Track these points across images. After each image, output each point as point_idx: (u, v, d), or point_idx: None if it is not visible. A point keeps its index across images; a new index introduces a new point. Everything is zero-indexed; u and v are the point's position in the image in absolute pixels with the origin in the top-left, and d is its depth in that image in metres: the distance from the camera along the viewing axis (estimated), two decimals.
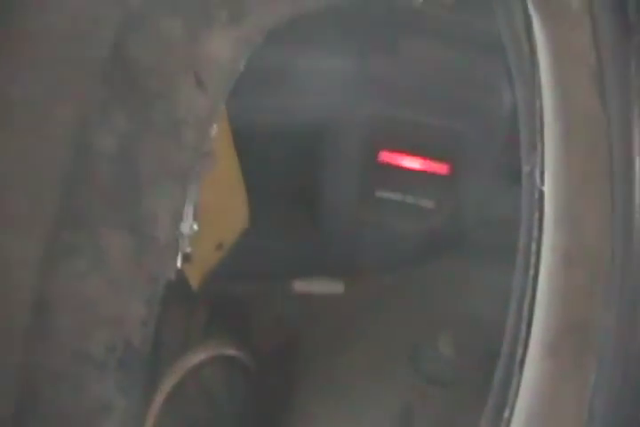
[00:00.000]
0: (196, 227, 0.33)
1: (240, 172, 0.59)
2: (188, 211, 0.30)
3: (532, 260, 0.33)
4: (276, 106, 0.62)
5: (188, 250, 0.42)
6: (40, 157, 0.25)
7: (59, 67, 0.25)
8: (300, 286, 0.71)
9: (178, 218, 0.29)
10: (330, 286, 0.70)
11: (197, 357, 0.57)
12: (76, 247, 0.26)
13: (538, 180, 0.33)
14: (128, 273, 0.27)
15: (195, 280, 0.55)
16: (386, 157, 0.59)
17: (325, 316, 0.71)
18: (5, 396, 0.26)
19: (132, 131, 0.26)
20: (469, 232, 0.56)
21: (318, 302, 0.70)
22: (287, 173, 0.64)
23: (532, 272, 0.33)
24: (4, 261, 0.25)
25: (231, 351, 0.61)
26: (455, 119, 0.55)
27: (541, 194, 0.33)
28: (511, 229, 0.37)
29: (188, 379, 0.54)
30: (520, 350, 0.33)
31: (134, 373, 0.29)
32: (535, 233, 0.33)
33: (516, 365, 0.33)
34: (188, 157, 0.28)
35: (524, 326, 0.33)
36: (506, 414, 0.33)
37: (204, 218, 0.33)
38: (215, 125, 0.29)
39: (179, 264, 0.31)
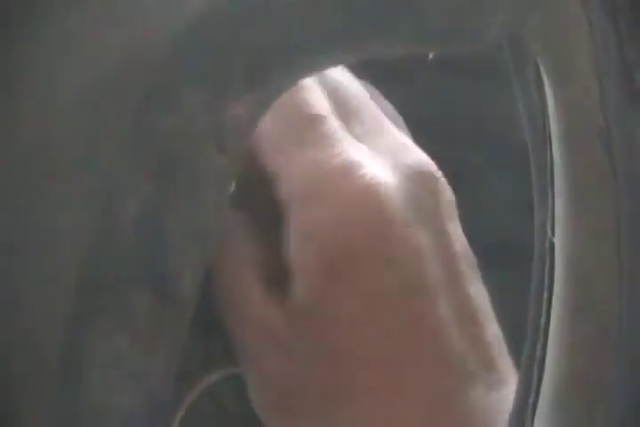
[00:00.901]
0: None
1: None
2: None
3: (544, 307, 0.34)
4: None
5: None
6: (68, 225, 0.26)
7: (85, 137, 0.26)
8: None
9: (199, 272, 0.30)
10: None
11: (214, 375, 0.59)
12: (103, 307, 0.27)
13: (549, 230, 0.34)
14: (151, 330, 0.28)
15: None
16: None
17: None
18: None
19: (157, 196, 0.27)
20: (484, 261, 0.57)
21: None
22: None
23: (543, 320, 0.34)
24: (32, 321, 0.27)
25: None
26: (470, 150, 0.56)
27: (552, 244, 0.34)
28: (526, 257, 0.38)
29: (204, 397, 0.55)
30: (532, 398, 0.34)
31: (157, 421, 0.30)
32: (547, 282, 0.34)
33: (528, 412, 0.34)
34: (210, 214, 0.30)
35: (535, 371, 0.34)
36: None
37: None
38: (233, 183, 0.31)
39: None
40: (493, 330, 0.38)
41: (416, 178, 0.37)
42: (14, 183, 0.26)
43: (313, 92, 0.37)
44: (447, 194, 0.38)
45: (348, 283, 0.36)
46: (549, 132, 0.33)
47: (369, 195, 0.35)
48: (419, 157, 0.38)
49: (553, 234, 0.34)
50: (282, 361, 0.36)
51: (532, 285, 0.36)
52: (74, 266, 0.27)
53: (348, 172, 0.35)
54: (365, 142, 0.37)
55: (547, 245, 0.35)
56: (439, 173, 0.38)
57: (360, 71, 0.50)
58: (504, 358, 0.38)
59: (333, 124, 0.36)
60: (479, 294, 0.38)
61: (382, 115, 0.39)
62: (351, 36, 0.29)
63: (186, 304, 0.29)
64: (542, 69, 0.32)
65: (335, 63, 0.33)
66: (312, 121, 0.36)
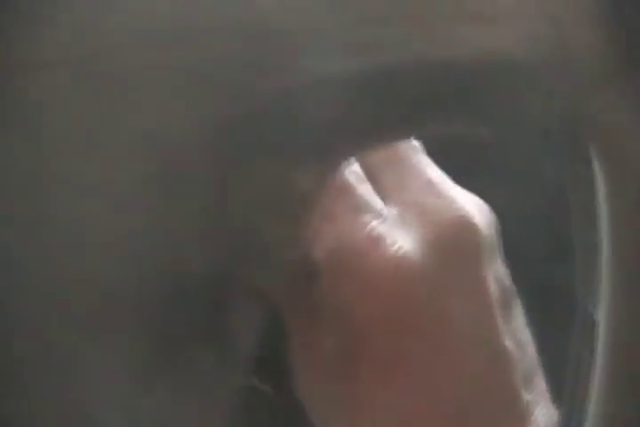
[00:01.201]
0: None
1: None
2: None
3: (584, 372, 0.34)
4: None
5: None
6: (145, 284, 0.28)
7: (162, 211, 0.28)
8: None
9: (255, 331, 0.32)
10: None
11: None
12: (164, 365, 0.29)
13: (591, 308, 0.34)
14: (209, 387, 0.30)
15: None
16: None
17: None
18: None
19: (225, 260, 0.29)
20: None
21: None
22: None
23: (580, 394, 0.35)
24: (94, 373, 0.28)
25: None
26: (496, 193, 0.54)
27: (594, 323, 0.34)
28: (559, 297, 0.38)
29: None
30: None
31: None
32: (586, 361, 0.34)
33: None
34: (268, 277, 0.31)
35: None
36: None
37: None
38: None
39: None
40: (524, 366, 0.38)
41: (448, 231, 0.37)
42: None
43: None
44: (485, 235, 0.37)
45: (367, 357, 0.36)
46: (598, 213, 0.34)
47: (392, 271, 0.36)
48: (451, 203, 0.37)
49: (596, 312, 0.34)
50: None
51: (571, 352, 0.36)
52: (143, 321, 0.28)
53: (371, 246, 0.36)
54: (395, 195, 0.38)
55: (589, 323, 0.35)
56: (476, 215, 0.37)
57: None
58: (533, 391, 0.37)
59: (360, 192, 0.37)
60: (515, 331, 0.38)
61: (418, 154, 0.39)
62: (407, 123, 0.31)
63: (242, 359, 0.30)
64: (593, 153, 0.33)
65: (393, 141, 0.35)
66: (339, 191, 0.37)
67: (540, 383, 0.38)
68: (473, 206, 0.37)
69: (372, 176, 0.38)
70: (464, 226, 0.37)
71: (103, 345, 0.29)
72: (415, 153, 0.38)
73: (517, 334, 0.38)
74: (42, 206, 0.28)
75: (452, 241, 0.37)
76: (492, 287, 0.37)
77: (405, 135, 0.35)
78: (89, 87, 0.27)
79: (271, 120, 0.29)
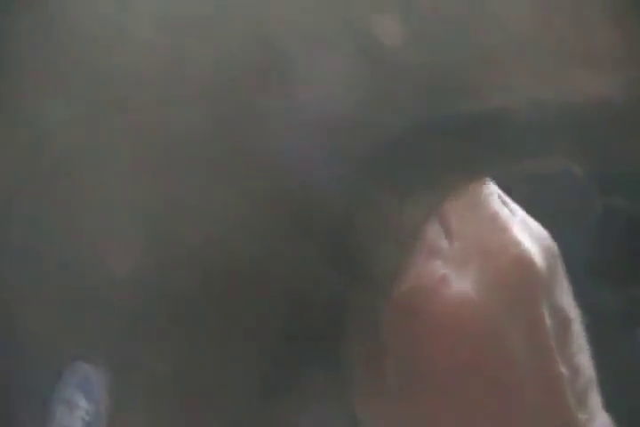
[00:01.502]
0: None
1: None
2: None
3: None
4: None
5: None
6: (274, 299, 0.30)
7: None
8: None
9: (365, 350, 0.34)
10: None
11: None
12: (286, 383, 0.31)
13: None
14: (327, 402, 0.32)
15: None
16: None
17: None
18: None
19: (344, 284, 0.31)
20: None
21: None
22: None
23: None
24: (229, 392, 0.30)
25: None
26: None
27: None
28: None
29: None
30: None
31: None
32: None
33: None
34: (380, 300, 0.33)
35: None
36: None
37: None
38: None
39: None
40: (578, 386, 0.39)
41: (506, 271, 0.38)
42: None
43: None
44: (543, 271, 0.39)
45: (428, 388, 0.38)
46: None
47: (453, 309, 0.37)
48: (512, 241, 0.38)
49: None
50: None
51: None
52: (265, 336, 0.30)
53: (434, 287, 0.37)
54: (460, 230, 0.39)
55: None
56: (535, 252, 0.38)
57: None
58: (588, 408, 0.39)
59: (429, 233, 0.38)
60: (571, 356, 0.40)
61: (487, 184, 0.40)
62: (513, 161, 0.33)
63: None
64: None
65: (494, 175, 0.37)
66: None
67: (595, 399, 0.40)
68: (533, 240, 0.39)
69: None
70: (522, 265, 0.38)
71: (225, 359, 0.31)
72: (483, 183, 0.40)
73: (574, 358, 0.39)
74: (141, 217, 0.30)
75: (510, 280, 0.38)
76: (550, 320, 0.39)
77: (502, 170, 0.36)
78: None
79: (390, 154, 0.31)
